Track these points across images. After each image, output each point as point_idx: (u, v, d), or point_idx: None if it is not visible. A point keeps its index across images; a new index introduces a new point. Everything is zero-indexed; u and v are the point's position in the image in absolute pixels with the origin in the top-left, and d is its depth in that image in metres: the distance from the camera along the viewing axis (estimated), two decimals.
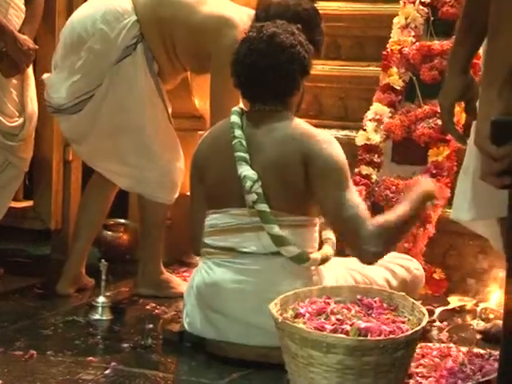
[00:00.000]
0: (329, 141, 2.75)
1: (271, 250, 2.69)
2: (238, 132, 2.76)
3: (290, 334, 2.25)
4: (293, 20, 2.99)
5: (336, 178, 2.69)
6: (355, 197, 2.70)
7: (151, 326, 3.07)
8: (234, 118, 2.81)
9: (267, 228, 2.66)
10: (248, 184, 2.66)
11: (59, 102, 3.35)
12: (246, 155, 2.72)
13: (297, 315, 2.34)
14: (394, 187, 3.77)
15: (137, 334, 2.96)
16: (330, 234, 2.92)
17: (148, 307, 3.31)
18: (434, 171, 3.76)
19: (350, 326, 2.24)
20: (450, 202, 3.70)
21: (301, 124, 2.80)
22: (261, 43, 2.79)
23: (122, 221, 4.07)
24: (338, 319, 2.29)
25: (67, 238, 3.98)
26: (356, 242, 2.65)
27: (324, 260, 2.75)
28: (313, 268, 2.73)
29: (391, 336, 2.21)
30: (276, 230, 2.66)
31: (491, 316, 3.16)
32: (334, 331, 2.23)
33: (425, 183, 2.93)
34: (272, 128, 2.78)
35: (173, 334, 2.90)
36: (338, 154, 2.73)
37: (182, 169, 3.48)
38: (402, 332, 2.24)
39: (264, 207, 2.67)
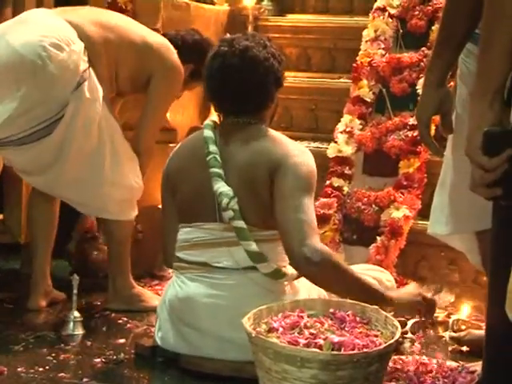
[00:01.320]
0: (299, 151, 2.74)
1: (244, 265, 2.67)
2: (212, 147, 2.74)
3: (263, 348, 2.24)
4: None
5: (298, 183, 2.64)
6: (312, 209, 2.64)
7: (123, 340, 3.05)
8: (208, 133, 2.79)
9: (244, 245, 2.65)
10: (225, 201, 2.65)
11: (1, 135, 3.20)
12: (221, 171, 2.70)
13: (270, 329, 2.33)
14: (365, 199, 3.79)
15: (109, 349, 2.94)
16: None
17: (120, 321, 3.29)
18: (404, 183, 3.78)
19: (324, 340, 2.24)
20: (420, 214, 3.75)
21: (273, 135, 2.79)
22: (233, 58, 2.76)
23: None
24: (311, 333, 2.28)
25: None
26: (293, 247, 2.58)
27: (298, 275, 2.74)
28: (286, 282, 2.72)
29: (365, 350, 2.21)
30: (253, 246, 2.64)
31: (463, 327, 3.17)
32: (308, 345, 2.23)
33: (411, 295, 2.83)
34: (245, 141, 2.76)
35: (145, 349, 2.88)
36: (310, 165, 2.70)
37: (142, 185, 3.48)
38: (376, 346, 2.24)
39: (241, 224, 2.65)
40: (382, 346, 2.23)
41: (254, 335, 2.26)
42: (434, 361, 2.77)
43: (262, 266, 2.65)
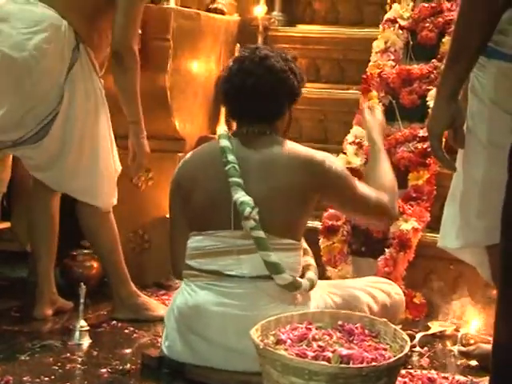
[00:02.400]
0: (326, 156, 2.80)
1: (255, 274, 2.66)
2: (230, 157, 2.73)
3: (271, 360, 2.22)
4: None
5: (348, 186, 2.81)
6: (362, 186, 2.85)
7: (129, 350, 3.03)
8: (224, 142, 2.78)
9: (263, 255, 2.63)
10: (247, 210, 2.63)
11: (13, 138, 3.23)
12: (241, 180, 2.69)
13: (278, 341, 2.32)
14: None
15: (115, 359, 2.92)
16: (310, 260, 2.90)
17: (126, 331, 3.28)
18: (414, 195, 3.76)
19: (332, 352, 2.22)
20: (429, 226, 3.73)
21: (294, 146, 2.80)
22: (251, 63, 2.80)
23: None
24: (319, 346, 2.27)
25: None
26: (385, 215, 2.90)
27: (311, 287, 2.73)
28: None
29: (373, 363, 2.19)
30: (272, 257, 2.63)
31: (471, 342, 3.15)
32: (316, 358, 2.21)
33: (370, 121, 3.20)
34: (265, 152, 2.76)
35: (151, 359, 2.85)
36: (338, 164, 2.84)
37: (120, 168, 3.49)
38: (385, 359, 2.22)
39: (261, 234, 2.64)
40: (391, 360, 2.21)
41: (261, 347, 2.24)
42: (443, 375, 2.75)
43: (278, 278, 2.64)
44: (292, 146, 2.81)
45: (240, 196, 2.66)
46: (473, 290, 3.64)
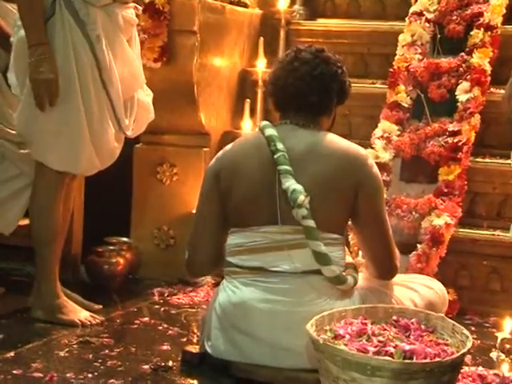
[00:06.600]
0: (373, 163, 2.75)
1: (303, 269, 2.61)
2: (280, 145, 2.66)
3: (331, 356, 2.16)
4: None
5: (380, 194, 2.77)
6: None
7: (167, 347, 2.97)
8: (271, 131, 2.71)
9: (313, 245, 2.57)
10: (301, 198, 2.56)
11: None
12: (291, 169, 2.63)
13: (336, 336, 2.26)
14: (405, 206, 3.71)
15: (155, 356, 2.86)
16: (349, 258, 2.84)
17: (160, 328, 3.22)
18: (445, 190, 3.71)
19: (394, 348, 2.17)
20: (461, 222, 3.69)
21: (338, 139, 2.74)
22: (308, 54, 2.77)
23: (125, 239, 3.96)
24: (379, 341, 2.22)
25: None
26: (391, 258, 2.77)
27: (354, 283, 2.68)
28: (342, 287, 2.65)
29: (437, 359, 2.14)
30: (322, 247, 2.58)
31: (508, 346, 3.05)
32: (378, 353, 2.16)
33: None
34: (309, 143, 2.69)
35: (193, 356, 2.79)
36: (380, 177, 2.79)
37: None
38: (448, 355, 2.17)
39: (312, 223, 2.57)
40: (455, 355, 2.16)
41: (321, 342, 2.19)
42: (492, 372, 2.69)
43: (326, 269, 2.59)
44: (335, 139, 2.75)
45: (292, 184, 2.59)
46: (506, 286, 3.61)
